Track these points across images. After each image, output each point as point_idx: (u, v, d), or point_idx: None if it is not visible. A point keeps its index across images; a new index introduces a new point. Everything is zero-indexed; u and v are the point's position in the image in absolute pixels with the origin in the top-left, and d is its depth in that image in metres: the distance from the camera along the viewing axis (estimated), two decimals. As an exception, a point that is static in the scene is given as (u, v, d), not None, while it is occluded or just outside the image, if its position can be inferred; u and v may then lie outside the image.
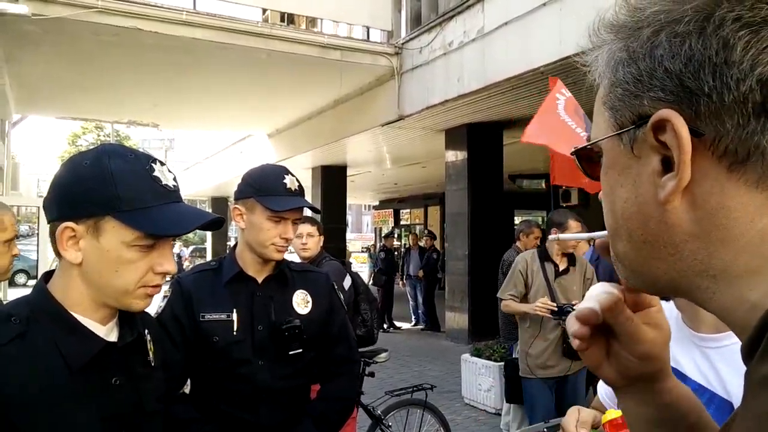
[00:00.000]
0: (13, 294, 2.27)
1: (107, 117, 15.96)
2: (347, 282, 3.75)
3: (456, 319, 9.60)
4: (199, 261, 25.91)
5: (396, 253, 14.35)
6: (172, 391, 1.77)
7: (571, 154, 0.57)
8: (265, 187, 1.83)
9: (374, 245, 21.74)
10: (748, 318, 0.43)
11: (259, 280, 1.87)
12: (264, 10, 8.65)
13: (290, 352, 1.80)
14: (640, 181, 0.47)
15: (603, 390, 1.25)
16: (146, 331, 1.26)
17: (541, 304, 3.62)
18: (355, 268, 10.48)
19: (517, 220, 14.16)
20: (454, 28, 7.79)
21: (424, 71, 8.36)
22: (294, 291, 1.91)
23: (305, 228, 3.79)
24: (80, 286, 1.11)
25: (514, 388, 4.38)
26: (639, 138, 0.47)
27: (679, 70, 0.43)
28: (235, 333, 1.79)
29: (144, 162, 1.14)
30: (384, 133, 10.07)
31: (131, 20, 6.79)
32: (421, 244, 12.55)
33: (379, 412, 4.05)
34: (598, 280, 4.36)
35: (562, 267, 3.83)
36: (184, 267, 23.73)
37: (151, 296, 1.16)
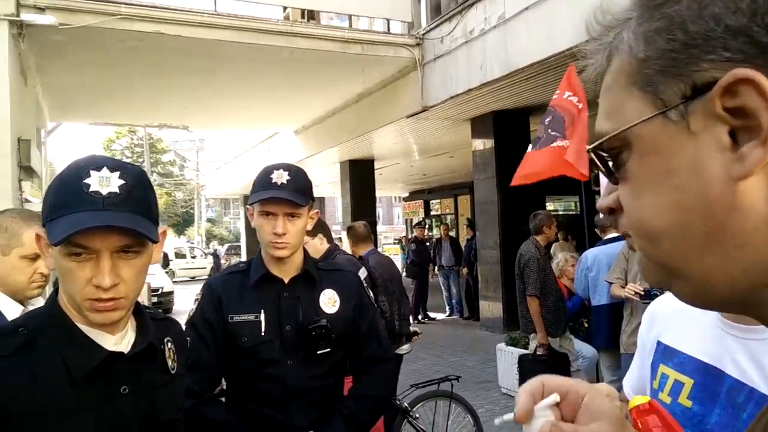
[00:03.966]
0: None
1: (139, 121, 16.25)
2: (362, 274, 3.74)
3: (490, 308, 9.54)
4: (234, 259, 26.41)
5: (428, 243, 14.32)
6: (206, 391, 1.81)
7: (589, 151, 0.49)
8: (256, 184, 1.84)
9: (405, 236, 21.72)
10: None
11: (286, 281, 1.88)
12: (284, 8, 8.69)
13: (318, 352, 1.80)
14: (700, 161, 0.41)
15: (628, 386, 1.22)
16: (166, 339, 1.25)
17: (631, 288, 3.92)
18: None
19: (549, 206, 13.97)
20: (474, 15, 7.69)
21: (446, 61, 8.28)
22: (321, 290, 1.91)
23: None
24: (64, 295, 1.11)
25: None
26: (695, 111, 0.40)
27: (745, 25, 0.38)
28: (262, 333, 1.80)
29: (84, 168, 1.06)
30: (409, 124, 10.02)
31: (154, 25, 6.89)
32: (452, 234, 12.48)
33: (405, 404, 4.05)
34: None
35: None
36: (222, 264, 24.28)
37: (100, 311, 1.07)
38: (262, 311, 1.82)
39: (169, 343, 1.25)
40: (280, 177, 1.80)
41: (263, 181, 1.82)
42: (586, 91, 4.67)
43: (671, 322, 1.12)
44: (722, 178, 0.40)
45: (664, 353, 1.11)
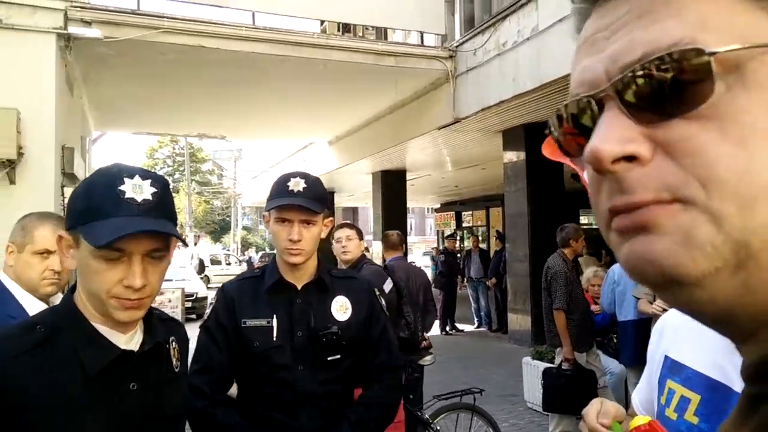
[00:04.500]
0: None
1: (179, 131, 16.65)
2: (388, 285, 3.80)
3: (518, 321, 9.45)
4: (267, 266, 26.70)
5: (458, 255, 14.26)
6: (218, 393, 1.85)
7: (639, 68, 0.36)
8: (272, 192, 1.89)
9: (436, 248, 21.65)
10: None
11: (299, 287, 1.91)
12: (322, 22, 8.86)
13: (328, 358, 1.83)
14: None
15: (637, 399, 1.21)
16: (171, 339, 1.31)
17: (659, 304, 3.96)
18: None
19: (582, 219, 13.74)
20: (508, 27, 7.70)
21: (478, 73, 8.30)
22: (333, 297, 1.94)
23: (344, 232, 3.95)
24: (83, 294, 1.17)
25: (552, 397, 4.43)
26: None
27: None
28: (274, 338, 1.84)
29: (117, 175, 1.12)
30: (441, 136, 10.05)
31: (194, 38, 7.10)
32: (483, 246, 12.43)
33: (427, 416, 4.04)
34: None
35: None
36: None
37: (128, 309, 1.13)
38: (275, 317, 1.86)
39: (174, 343, 1.31)
40: (297, 185, 1.85)
41: (280, 189, 1.87)
42: None
43: (679, 337, 1.10)
44: None
45: (672, 368, 1.09)
